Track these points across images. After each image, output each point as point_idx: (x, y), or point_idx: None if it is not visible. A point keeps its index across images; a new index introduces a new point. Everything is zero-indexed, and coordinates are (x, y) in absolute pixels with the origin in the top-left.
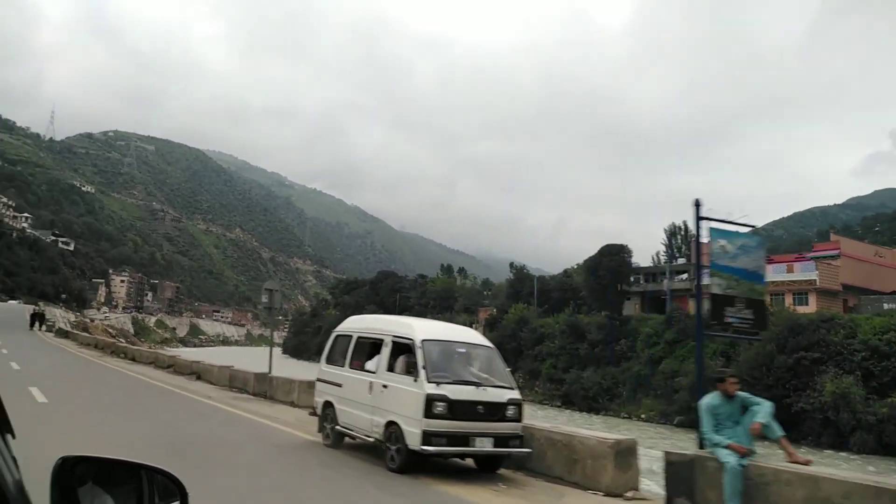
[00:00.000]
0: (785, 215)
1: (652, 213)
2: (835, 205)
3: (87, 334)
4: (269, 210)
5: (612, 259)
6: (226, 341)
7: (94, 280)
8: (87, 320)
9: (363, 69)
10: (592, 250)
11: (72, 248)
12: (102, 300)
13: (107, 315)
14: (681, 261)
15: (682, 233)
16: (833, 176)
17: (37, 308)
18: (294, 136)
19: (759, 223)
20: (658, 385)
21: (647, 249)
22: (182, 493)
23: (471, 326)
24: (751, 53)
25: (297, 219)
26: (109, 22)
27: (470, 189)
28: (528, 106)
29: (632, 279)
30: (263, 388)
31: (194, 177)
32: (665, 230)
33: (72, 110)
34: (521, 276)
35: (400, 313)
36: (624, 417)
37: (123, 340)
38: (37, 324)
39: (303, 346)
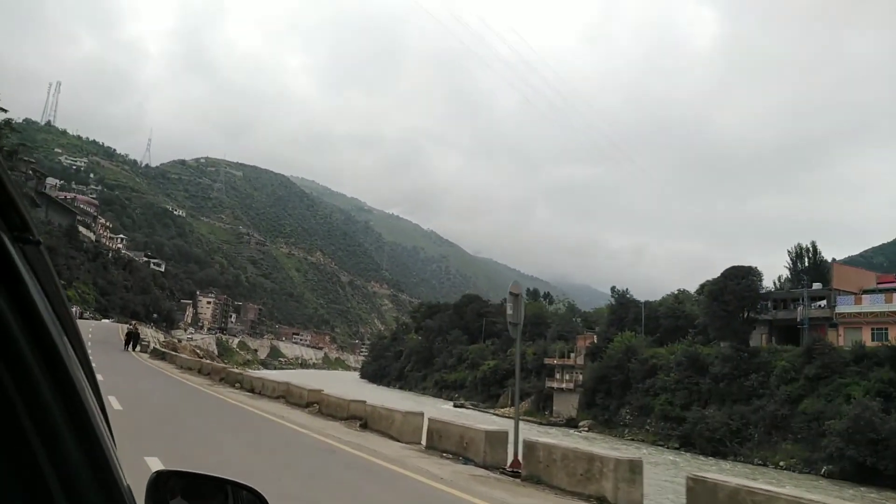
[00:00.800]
0: (886, 241)
1: (741, 240)
2: None
3: (186, 356)
4: (348, 234)
5: (739, 283)
6: (304, 364)
7: (182, 301)
8: (176, 340)
9: (445, 98)
10: (676, 277)
11: (163, 269)
12: (189, 321)
13: (192, 336)
14: (815, 285)
15: (810, 255)
16: None
17: (131, 327)
18: (374, 163)
19: (858, 249)
20: (799, 428)
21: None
22: None
23: (568, 356)
24: (844, 73)
25: (374, 243)
26: (205, 56)
27: (547, 215)
28: (611, 131)
29: (758, 306)
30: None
31: (278, 202)
32: (789, 252)
33: (167, 140)
34: (624, 302)
35: (486, 339)
36: (758, 464)
37: (222, 362)
38: (131, 343)
39: (382, 370)
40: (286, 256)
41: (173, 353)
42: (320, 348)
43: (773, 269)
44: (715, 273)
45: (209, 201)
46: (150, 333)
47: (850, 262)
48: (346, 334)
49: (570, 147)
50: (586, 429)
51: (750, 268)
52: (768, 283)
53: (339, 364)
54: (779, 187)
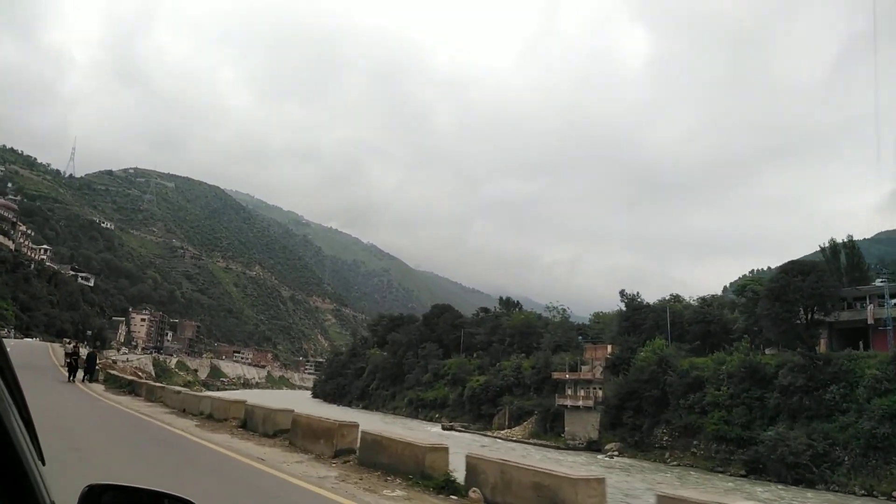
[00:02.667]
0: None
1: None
2: (865, 239)
3: (185, 391)
4: (288, 248)
5: (804, 280)
6: (247, 384)
7: (113, 318)
8: (110, 361)
9: (382, 111)
10: (608, 289)
11: (91, 283)
12: (122, 339)
13: (127, 356)
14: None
15: (850, 249)
16: (856, 213)
17: (70, 346)
18: (311, 176)
19: (781, 261)
20: None
21: (664, 287)
22: None
23: (580, 368)
24: (772, 91)
25: (314, 257)
26: (133, 66)
27: (486, 228)
28: (546, 146)
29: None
30: None
31: (213, 214)
32: (822, 247)
33: (94, 151)
34: (636, 307)
35: (465, 351)
36: (861, 495)
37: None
38: (79, 372)
39: (340, 389)
40: (223, 271)
41: (147, 382)
42: (263, 366)
43: (702, 282)
44: (646, 285)
45: (139, 213)
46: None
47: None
48: (288, 351)
49: (507, 162)
50: (616, 453)
51: (813, 262)
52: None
53: (283, 382)
54: (708, 203)
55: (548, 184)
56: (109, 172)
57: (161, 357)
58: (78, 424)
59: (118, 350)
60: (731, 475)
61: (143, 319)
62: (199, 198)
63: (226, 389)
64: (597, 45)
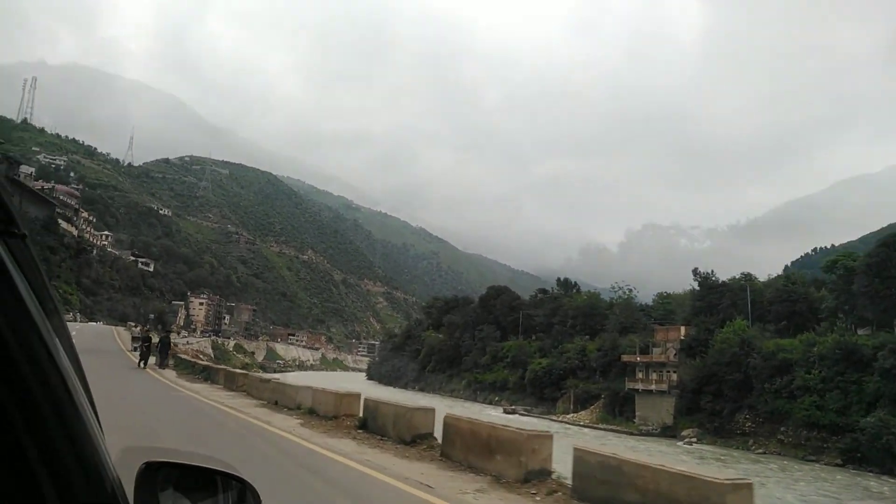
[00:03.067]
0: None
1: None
2: None
3: (275, 379)
4: (339, 232)
5: None
6: (301, 366)
7: (173, 302)
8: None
9: (430, 93)
10: (661, 268)
11: (151, 268)
12: (181, 323)
13: (187, 339)
14: None
15: None
16: None
17: (140, 331)
18: (361, 160)
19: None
20: None
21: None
22: (256, 498)
23: (651, 351)
24: (832, 62)
25: (365, 241)
26: (188, 56)
27: (535, 209)
28: (597, 123)
29: None
30: None
31: (266, 200)
32: None
33: (150, 139)
34: (711, 286)
35: (523, 333)
36: None
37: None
38: (152, 357)
39: (396, 371)
40: (277, 255)
41: (225, 368)
42: (317, 349)
43: (758, 262)
44: (700, 261)
45: (195, 200)
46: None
47: (850, 247)
48: (341, 334)
49: (557, 141)
50: (694, 439)
51: None
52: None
53: (336, 364)
54: (762, 178)
55: (598, 163)
56: (166, 160)
57: (219, 340)
58: (158, 422)
59: (178, 333)
60: (825, 464)
61: (201, 303)
62: (252, 184)
63: (283, 371)
64: (649, 17)
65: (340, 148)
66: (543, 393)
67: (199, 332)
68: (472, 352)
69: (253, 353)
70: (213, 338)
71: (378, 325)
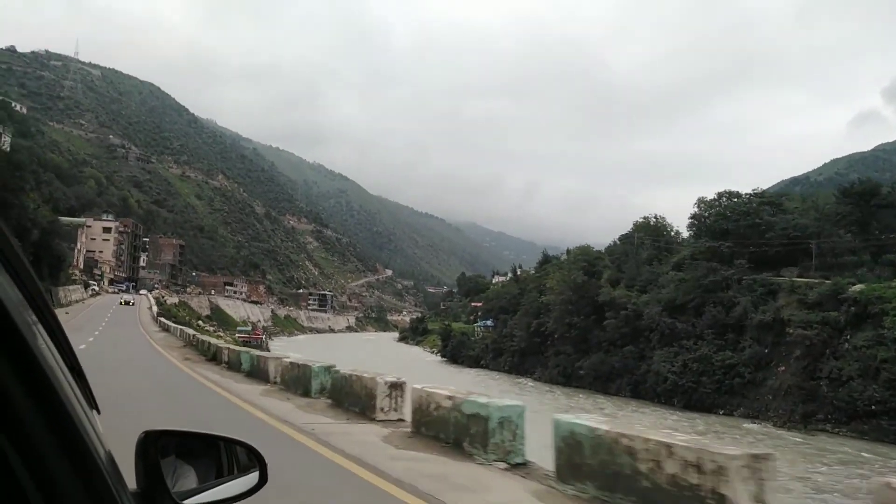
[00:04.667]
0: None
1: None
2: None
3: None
4: (246, 157)
5: None
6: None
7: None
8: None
9: (335, 30)
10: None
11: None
12: (80, 264)
13: (96, 290)
14: None
15: None
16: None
17: None
18: (257, 97)
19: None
20: None
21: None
22: (261, 463)
23: None
24: (742, 16)
25: (267, 173)
26: None
27: (440, 153)
28: (508, 67)
29: None
30: None
31: (153, 113)
32: None
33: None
34: None
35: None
36: None
37: None
38: None
39: (530, 351)
40: (179, 179)
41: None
42: (258, 303)
43: (652, 206)
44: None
45: (59, 102)
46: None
47: None
48: (279, 282)
49: (466, 84)
50: None
51: None
52: None
53: (289, 323)
54: (663, 129)
55: (504, 107)
56: (12, 50)
57: (154, 294)
58: None
59: (84, 285)
60: None
61: (106, 230)
62: (131, 92)
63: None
64: None
65: (236, 83)
66: None
67: (105, 282)
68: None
69: (204, 317)
70: (131, 291)
71: (317, 272)
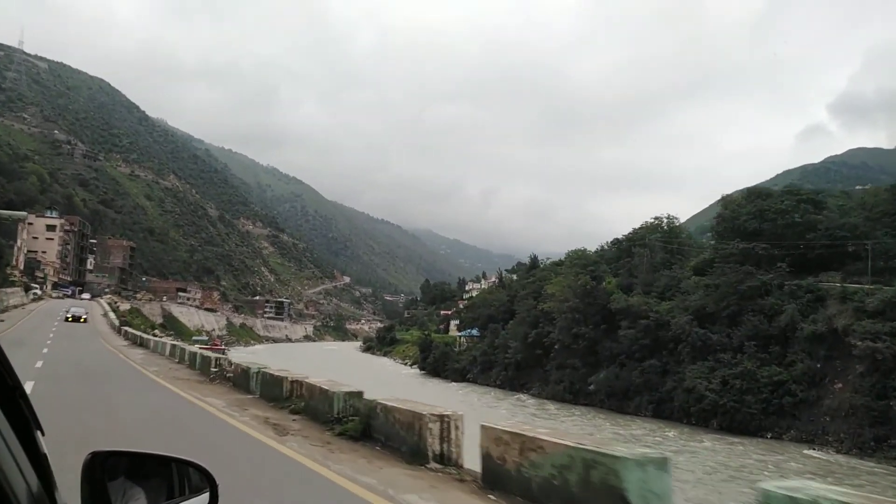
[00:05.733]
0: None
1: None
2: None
3: None
4: (199, 158)
5: None
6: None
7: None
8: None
9: (297, 32)
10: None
11: None
12: (21, 265)
13: (38, 294)
14: None
15: None
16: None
17: None
18: (210, 97)
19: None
20: None
21: (572, 221)
22: (212, 484)
23: None
24: (700, 29)
25: (220, 175)
26: None
27: (397, 157)
28: (468, 74)
29: None
30: None
31: (102, 109)
32: None
33: None
34: None
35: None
36: None
37: None
38: None
39: (529, 364)
40: (128, 178)
41: None
42: (214, 310)
43: (609, 214)
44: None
45: (1, 93)
46: None
47: None
48: (234, 288)
49: (428, 89)
50: None
51: None
52: None
53: (245, 333)
54: (618, 139)
55: (464, 113)
56: None
57: (98, 301)
58: None
59: (25, 288)
60: None
61: (50, 228)
62: (80, 87)
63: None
64: None
65: (188, 80)
66: None
67: (48, 285)
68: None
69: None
70: (78, 295)
71: (273, 278)
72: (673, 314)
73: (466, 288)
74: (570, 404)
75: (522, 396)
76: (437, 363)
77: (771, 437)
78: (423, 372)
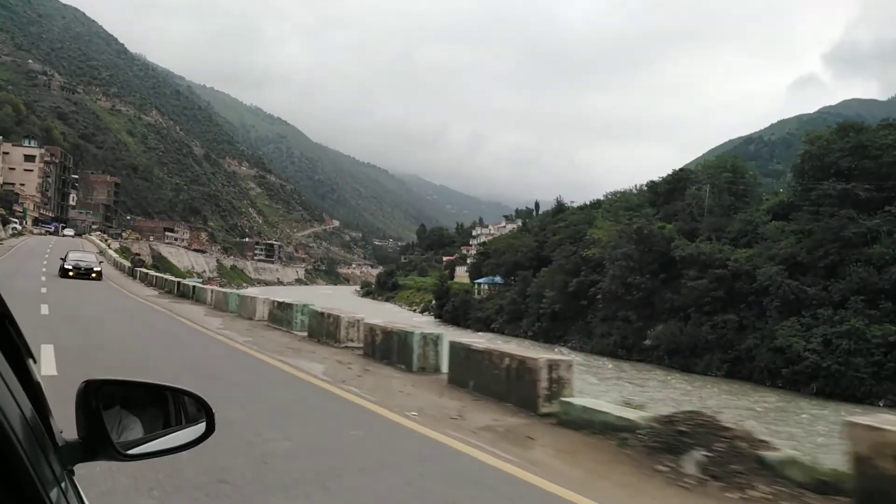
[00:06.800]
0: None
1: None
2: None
3: None
4: (181, 93)
5: None
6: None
7: None
8: None
9: None
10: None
11: None
12: None
13: (18, 229)
14: None
15: None
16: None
17: None
18: (189, 32)
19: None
20: None
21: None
22: (208, 413)
23: None
24: None
25: (203, 112)
26: None
27: (384, 100)
28: (458, 14)
29: None
30: None
31: (78, 40)
32: None
33: None
34: None
35: None
36: None
37: None
38: None
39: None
40: (109, 113)
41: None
42: (203, 251)
43: (598, 163)
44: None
45: None
46: None
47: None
48: (222, 229)
49: (417, 29)
50: None
51: None
52: None
53: (236, 275)
54: (606, 86)
55: (453, 55)
56: None
57: (86, 238)
58: None
59: (3, 223)
60: None
61: (28, 161)
62: (53, 16)
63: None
64: None
65: (166, 13)
66: None
67: (29, 221)
68: None
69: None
70: (63, 232)
71: (261, 220)
72: (754, 263)
73: (473, 233)
74: (622, 360)
75: (562, 349)
76: (455, 311)
77: (883, 406)
78: (438, 320)
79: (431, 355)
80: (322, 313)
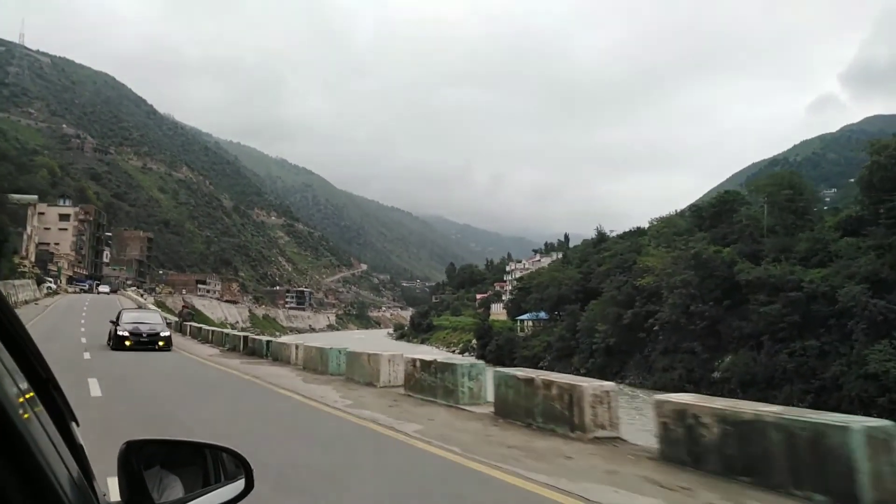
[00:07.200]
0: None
1: (587, 168)
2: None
3: None
4: (209, 149)
5: None
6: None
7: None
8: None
9: (299, 23)
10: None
11: None
12: (31, 256)
13: (52, 288)
14: None
15: None
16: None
17: None
18: (217, 91)
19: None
20: None
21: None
22: (247, 469)
23: None
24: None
25: (231, 165)
26: None
27: (404, 144)
28: (472, 59)
29: None
30: None
31: (109, 103)
32: None
33: None
34: None
35: None
36: None
37: None
38: None
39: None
40: (141, 171)
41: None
42: (236, 302)
43: (617, 194)
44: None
45: (5, 88)
46: None
47: None
48: (252, 279)
49: (433, 75)
50: None
51: None
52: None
53: (268, 324)
54: (623, 118)
55: (470, 98)
56: None
57: (123, 293)
58: None
59: (36, 280)
60: None
61: (63, 220)
62: (84, 82)
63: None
64: None
65: (193, 75)
66: None
67: (63, 279)
68: None
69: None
70: (97, 289)
71: (290, 268)
72: (831, 284)
73: (507, 269)
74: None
75: (620, 387)
76: (500, 350)
77: None
78: (481, 361)
79: None
80: (521, 379)
